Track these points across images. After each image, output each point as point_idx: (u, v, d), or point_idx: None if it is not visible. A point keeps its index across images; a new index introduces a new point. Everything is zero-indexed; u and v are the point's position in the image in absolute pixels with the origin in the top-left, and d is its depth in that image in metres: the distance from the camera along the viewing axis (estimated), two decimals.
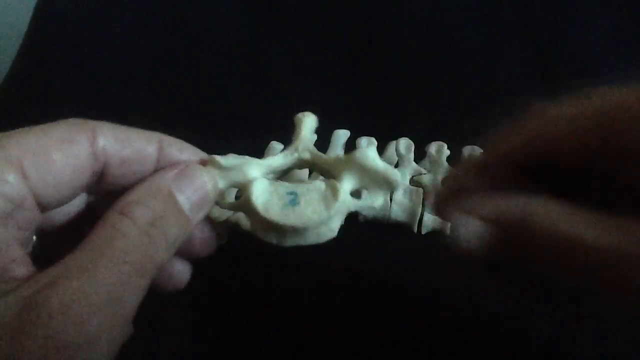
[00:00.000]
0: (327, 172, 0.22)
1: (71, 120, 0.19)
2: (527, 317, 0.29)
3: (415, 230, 0.36)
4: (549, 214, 0.15)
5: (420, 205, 0.35)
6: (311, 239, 0.22)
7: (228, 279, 0.33)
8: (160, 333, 0.29)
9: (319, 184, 0.22)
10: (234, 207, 0.22)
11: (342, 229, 0.37)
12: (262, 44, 0.48)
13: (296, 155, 0.23)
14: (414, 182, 0.37)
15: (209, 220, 0.23)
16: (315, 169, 0.23)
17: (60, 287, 0.16)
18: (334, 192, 0.21)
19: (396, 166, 0.37)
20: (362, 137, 0.37)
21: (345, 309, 0.31)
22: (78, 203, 0.21)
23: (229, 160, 0.21)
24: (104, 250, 0.17)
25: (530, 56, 0.45)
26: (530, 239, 0.15)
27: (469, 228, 0.16)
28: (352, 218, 0.37)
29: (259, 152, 0.37)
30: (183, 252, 0.22)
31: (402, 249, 0.35)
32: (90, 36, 0.49)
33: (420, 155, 0.37)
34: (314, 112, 0.47)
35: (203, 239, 0.23)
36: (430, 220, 0.35)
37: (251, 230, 0.22)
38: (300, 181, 0.22)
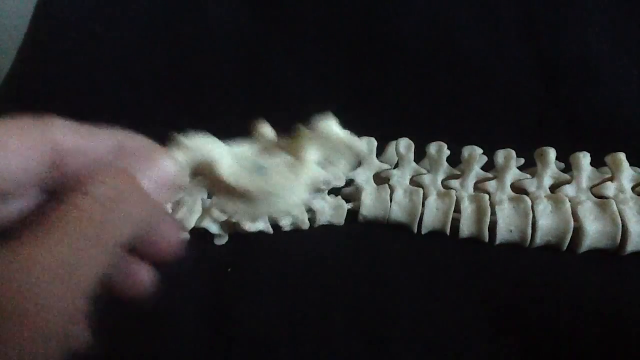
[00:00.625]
0: (293, 151, 0.23)
1: (25, 116, 0.19)
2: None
3: (415, 230, 0.36)
4: None
5: (420, 205, 0.35)
6: (280, 208, 0.22)
7: (228, 279, 0.33)
8: (162, 333, 0.30)
9: (284, 156, 0.22)
10: (201, 184, 0.22)
11: (342, 228, 0.37)
12: (262, 44, 0.48)
13: (258, 141, 0.23)
14: (414, 182, 0.37)
15: (175, 219, 0.23)
16: (281, 151, 0.23)
17: (13, 256, 0.16)
18: (300, 160, 0.22)
19: (396, 166, 0.37)
20: (362, 137, 0.37)
21: (345, 308, 0.31)
22: (32, 203, 0.21)
23: (193, 140, 0.21)
24: (60, 223, 0.17)
25: (530, 56, 0.45)
26: None
27: None
28: (352, 218, 0.37)
29: None
30: (146, 254, 0.22)
31: (402, 249, 0.35)
32: (90, 36, 0.49)
33: (420, 155, 0.37)
34: (314, 112, 0.47)
35: (166, 237, 0.22)
36: (430, 220, 0.35)
37: (220, 209, 0.22)
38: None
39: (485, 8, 0.46)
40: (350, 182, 0.37)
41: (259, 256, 0.34)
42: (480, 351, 0.28)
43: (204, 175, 0.21)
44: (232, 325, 0.30)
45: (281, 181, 0.21)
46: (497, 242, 0.34)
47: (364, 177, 0.37)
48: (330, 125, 0.22)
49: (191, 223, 0.35)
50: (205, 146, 0.21)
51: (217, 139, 0.22)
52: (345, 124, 0.38)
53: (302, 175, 0.21)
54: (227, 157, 0.21)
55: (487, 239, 0.34)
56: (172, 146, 0.21)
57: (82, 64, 0.48)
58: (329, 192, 0.36)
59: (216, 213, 0.35)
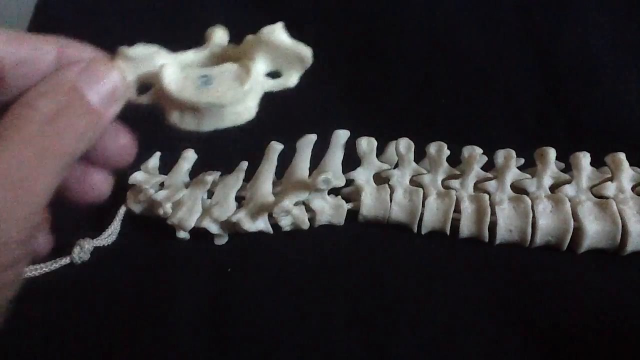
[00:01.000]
0: (241, 60, 0.22)
1: None
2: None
3: (415, 230, 0.36)
4: None
5: (420, 205, 0.35)
6: (229, 119, 0.21)
7: (228, 279, 0.33)
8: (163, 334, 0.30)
9: (231, 65, 0.22)
10: (146, 98, 0.22)
11: (342, 228, 0.37)
12: None
13: (207, 50, 0.23)
14: (414, 182, 0.37)
15: (125, 127, 0.22)
16: (229, 60, 0.23)
17: None
18: (247, 70, 0.21)
19: (396, 166, 0.37)
20: (362, 137, 0.37)
21: (345, 308, 0.31)
22: None
23: (138, 50, 0.21)
24: (6, 135, 0.17)
25: (530, 56, 0.45)
26: None
27: None
28: (352, 218, 0.37)
29: (258, 153, 0.37)
30: (99, 161, 0.22)
31: (402, 249, 0.35)
32: (90, 36, 0.49)
33: (420, 155, 0.37)
34: (314, 112, 0.47)
35: (118, 145, 0.22)
36: (430, 220, 0.35)
37: (167, 121, 0.22)
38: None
39: (485, 8, 0.46)
40: (350, 182, 0.37)
41: (259, 256, 0.34)
42: (481, 351, 0.28)
43: (152, 86, 0.21)
44: (232, 325, 0.30)
45: (227, 92, 0.21)
46: (497, 242, 0.34)
47: (364, 177, 0.37)
48: (277, 33, 0.21)
49: (191, 223, 0.35)
50: (149, 56, 0.21)
51: (163, 49, 0.21)
52: (345, 124, 0.38)
53: (249, 83, 0.21)
54: (172, 67, 0.21)
55: (487, 239, 0.34)
56: (117, 57, 0.21)
57: None
58: (329, 192, 0.36)
59: (216, 213, 0.35)
